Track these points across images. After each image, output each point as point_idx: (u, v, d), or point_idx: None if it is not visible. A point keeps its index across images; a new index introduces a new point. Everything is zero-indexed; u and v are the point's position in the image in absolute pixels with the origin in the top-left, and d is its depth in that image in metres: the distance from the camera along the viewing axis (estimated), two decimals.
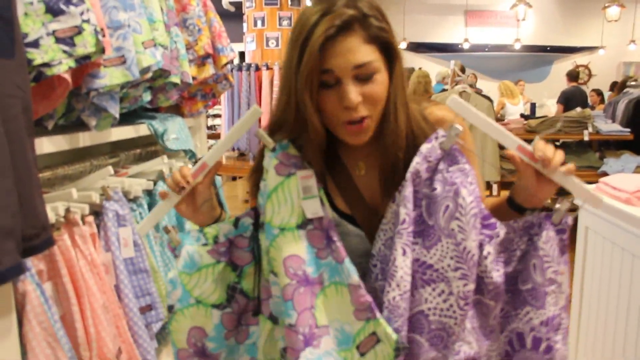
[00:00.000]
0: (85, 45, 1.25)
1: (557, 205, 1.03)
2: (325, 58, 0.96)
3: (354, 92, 0.98)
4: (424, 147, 1.04)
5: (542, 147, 1.00)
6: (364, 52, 0.97)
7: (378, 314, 1.01)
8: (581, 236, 2.54)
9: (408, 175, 1.03)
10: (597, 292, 2.40)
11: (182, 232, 1.10)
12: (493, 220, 1.04)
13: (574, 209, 1.08)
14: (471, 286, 1.01)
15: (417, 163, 1.03)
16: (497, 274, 1.03)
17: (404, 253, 1.01)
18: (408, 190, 1.02)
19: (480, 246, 1.02)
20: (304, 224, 1.04)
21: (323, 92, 1.00)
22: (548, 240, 1.03)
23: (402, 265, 1.00)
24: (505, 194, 1.16)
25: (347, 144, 1.09)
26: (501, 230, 1.04)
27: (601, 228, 2.34)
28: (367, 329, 1.02)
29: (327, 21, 0.95)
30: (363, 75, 0.98)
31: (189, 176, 1.08)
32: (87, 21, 1.24)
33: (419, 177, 1.03)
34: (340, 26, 0.95)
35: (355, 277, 1.03)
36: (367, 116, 1.01)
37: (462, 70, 5.71)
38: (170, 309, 1.09)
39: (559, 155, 1.01)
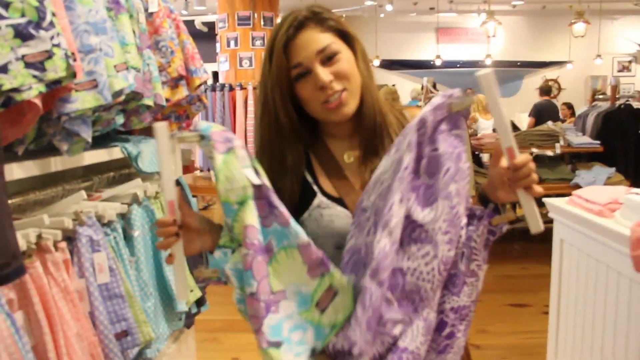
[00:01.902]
0: (55, 69, 1.23)
1: (505, 213, 1.07)
2: (293, 55, 1.14)
3: (323, 73, 1.13)
4: (436, 99, 1.04)
5: (525, 160, 1.01)
6: (322, 39, 1.14)
7: (331, 267, 1.05)
8: (557, 248, 2.57)
9: (414, 122, 1.03)
10: (573, 303, 2.42)
11: (206, 267, 1.09)
12: None
13: (514, 222, 1.11)
14: (453, 252, 1.02)
15: (426, 112, 1.03)
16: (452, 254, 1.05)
17: (401, 201, 1.00)
18: (413, 137, 1.02)
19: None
20: (254, 194, 1.04)
21: (299, 84, 1.15)
22: (481, 234, 1.05)
23: (399, 213, 0.99)
24: None
25: (336, 135, 1.25)
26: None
27: (576, 240, 2.37)
28: (322, 285, 1.06)
29: (285, 25, 1.14)
30: (327, 57, 1.14)
31: (171, 219, 1.05)
32: (58, 45, 1.23)
33: (424, 127, 1.03)
34: (296, 26, 1.14)
35: (303, 236, 1.05)
36: (343, 89, 1.15)
37: (434, 86, 5.77)
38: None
39: (531, 177, 1.01)
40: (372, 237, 1.02)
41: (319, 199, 1.19)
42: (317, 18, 1.16)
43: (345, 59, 1.16)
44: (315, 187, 1.21)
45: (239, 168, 1.03)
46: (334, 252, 1.17)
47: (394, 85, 5.98)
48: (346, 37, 1.18)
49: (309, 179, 1.22)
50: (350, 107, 1.17)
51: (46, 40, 1.20)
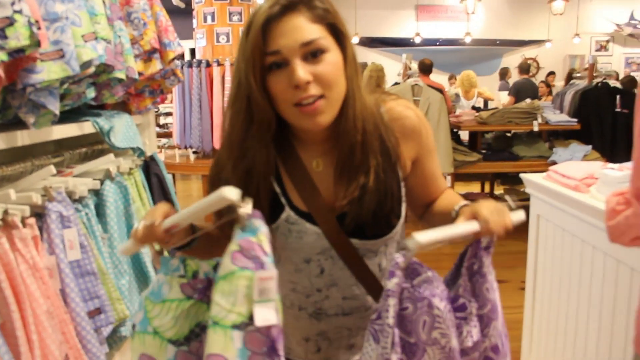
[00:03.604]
0: (18, 37, 1.18)
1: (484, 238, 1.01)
2: (272, 39, 0.96)
3: (302, 70, 0.96)
4: (392, 285, 0.95)
5: (491, 227, 0.96)
6: (310, 30, 0.97)
7: None
8: (533, 224, 2.58)
9: (391, 321, 0.94)
10: (549, 278, 2.44)
11: (164, 257, 1.02)
12: (461, 300, 1.01)
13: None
14: None
15: (394, 305, 0.94)
16: (475, 332, 1.01)
17: None
18: (396, 337, 0.94)
19: (458, 328, 0.99)
20: (242, 325, 0.88)
21: (272, 75, 0.98)
22: (489, 263, 1.03)
23: None
24: (458, 186, 1.13)
25: (305, 140, 1.10)
26: (473, 306, 1.02)
27: (552, 215, 2.38)
28: None
29: (271, 2, 0.96)
30: (311, 53, 0.97)
31: (160, 235, 0.97)
32: (20, 12, 1.18)
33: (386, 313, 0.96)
34: (285, 5, 0.96)
35: None
36: (320, 96, 0.98)
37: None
38: (134, 327, 1.04)
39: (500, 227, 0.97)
40: None
41: (287, 212, 1.10)
42: (310, 3, 0.99)
43: (332, 61, 0.99)
44: (283, 200, 1.10)
45: (241, 294, 0.88)
46: (303, 264, 1.12)
47: (374, 63, 5.92)
48: (339, 35, 1.02)
49: (277, 189, 1.11)
50: (326, 117, 1.01)
51: (6, 6, 1.15)
